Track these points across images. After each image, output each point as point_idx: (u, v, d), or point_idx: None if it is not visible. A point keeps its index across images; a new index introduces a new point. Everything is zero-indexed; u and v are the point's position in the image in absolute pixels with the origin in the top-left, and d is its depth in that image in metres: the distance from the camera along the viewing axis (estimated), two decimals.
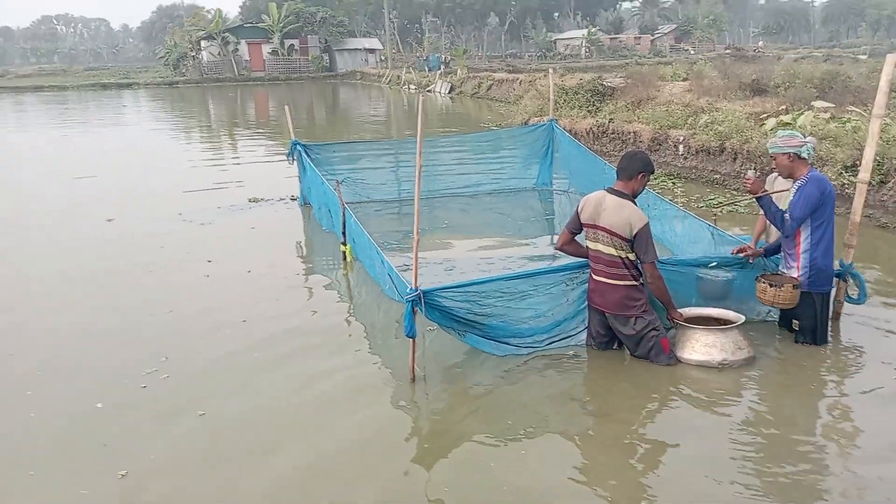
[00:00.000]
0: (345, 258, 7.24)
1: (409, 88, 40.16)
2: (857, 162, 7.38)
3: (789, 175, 4.80)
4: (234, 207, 9.98)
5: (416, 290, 4.44)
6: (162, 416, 4.32)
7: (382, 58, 57.51)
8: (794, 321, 4.95)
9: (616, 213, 4.63)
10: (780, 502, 3.34)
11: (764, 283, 4.82)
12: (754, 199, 4.88)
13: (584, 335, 5.08)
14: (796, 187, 4.74)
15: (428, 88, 38.20)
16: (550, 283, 4.98)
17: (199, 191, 11.46)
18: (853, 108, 10.85)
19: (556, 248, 5.14)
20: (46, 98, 41.61)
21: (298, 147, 9.50)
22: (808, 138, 4.82)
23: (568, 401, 4.46)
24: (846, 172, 8.31)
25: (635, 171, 4.70)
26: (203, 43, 56.99)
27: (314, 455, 3.87)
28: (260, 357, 5.08)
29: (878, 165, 7.88)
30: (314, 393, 4.56)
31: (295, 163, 9.71)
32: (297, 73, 56.68)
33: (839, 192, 8.27)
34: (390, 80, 45.92)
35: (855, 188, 5.20)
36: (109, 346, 5.38)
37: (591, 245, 4.80)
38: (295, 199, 10.22)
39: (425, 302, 4.48)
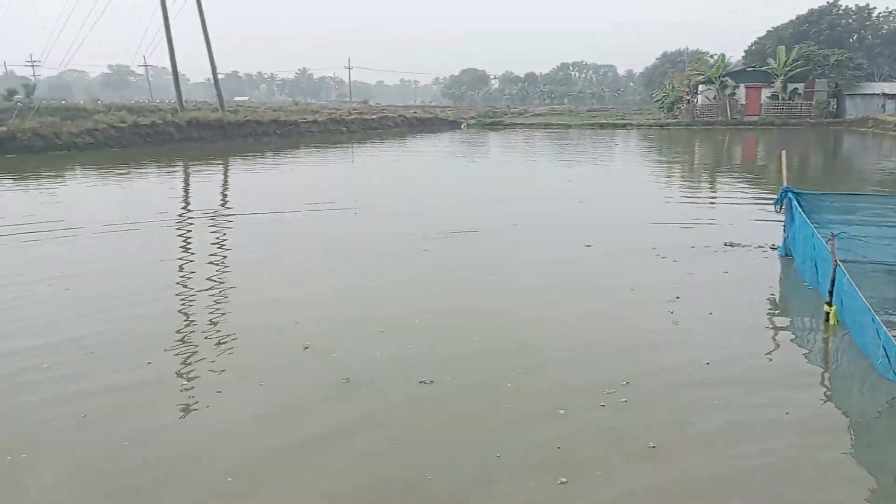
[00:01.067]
0: (827, 320, 6.48)
1: None
2: None
3: None
4: (709, 249, 9.83)
5: None
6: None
7: None
8: None
9: None
10: None
11: None
12: None
13: None
14: None
15: None
16: None
17: (672, 225, 11.62)
18: None
19: None
20: (552, 134, 47.26)
21: (789, 194, 8.92)
22: None
23: None
24: None
25: None
26: (700, 87, 57.56)
27: None
28: (696, 400, 4.90)
29: None
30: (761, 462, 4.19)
31: (782, 211, 9.12)
32: (795, 119, 52.92)
33: None
34: None
35: None
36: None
37: None
38: (775, 249, 9.58)
39: None
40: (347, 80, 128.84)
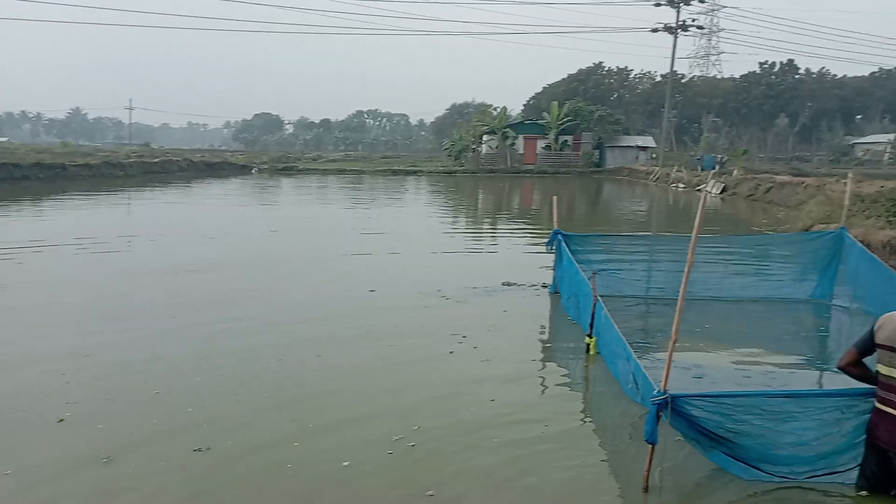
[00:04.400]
0: (588, 350, 7.08)
1: (676, 187, 39.11)
2: None
3: None
4: (489, 289, 10.36)
5: (665, 394, 4.16)
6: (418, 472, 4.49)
7: (654, 155, 57.00)
8: None
9: None
10: None
11: None
12: None
13: (854, 473, 4.32)
14: None
15: (698, 188, 36.81)
16: (822, 408, 4.36)
17: (456, 268, 12.11)
18: None
19: (839, 367, 4.49)
20: (345, 180, 47.61)
21: (559, 236, 9.67)
22: None
23: None
24: None
25: None
26: (485, 137, 61.52)
27: None
28: (481, 438, 5.09)
29: None
30: (529, 482, 4.43)
31: (553, 250, 9.88)
32: (566, 168, 58.36)
33: None
34: (658, 178, 45.18)
35: None
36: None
37: (885, 371, 4.12)
38: (546, 287, 10.34)
39: (672, 408, 4.17)
40: (127, 121, 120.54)
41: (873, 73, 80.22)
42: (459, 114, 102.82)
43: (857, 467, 4.32)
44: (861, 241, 10.18)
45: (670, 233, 17.47)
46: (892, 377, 4.06)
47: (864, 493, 4.23)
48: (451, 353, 7.17)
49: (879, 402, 4.14)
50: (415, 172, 56.34)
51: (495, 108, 65.65)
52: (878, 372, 4.18)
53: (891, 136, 60.57)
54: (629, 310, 9.11)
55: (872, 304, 7.77)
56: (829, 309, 9.15)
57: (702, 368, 6.67)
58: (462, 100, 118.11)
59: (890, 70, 79.09)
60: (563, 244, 9.53)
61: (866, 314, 7.87)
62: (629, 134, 67.74)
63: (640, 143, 63.52)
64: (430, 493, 4.30)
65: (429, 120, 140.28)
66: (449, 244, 15.84)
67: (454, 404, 5.75)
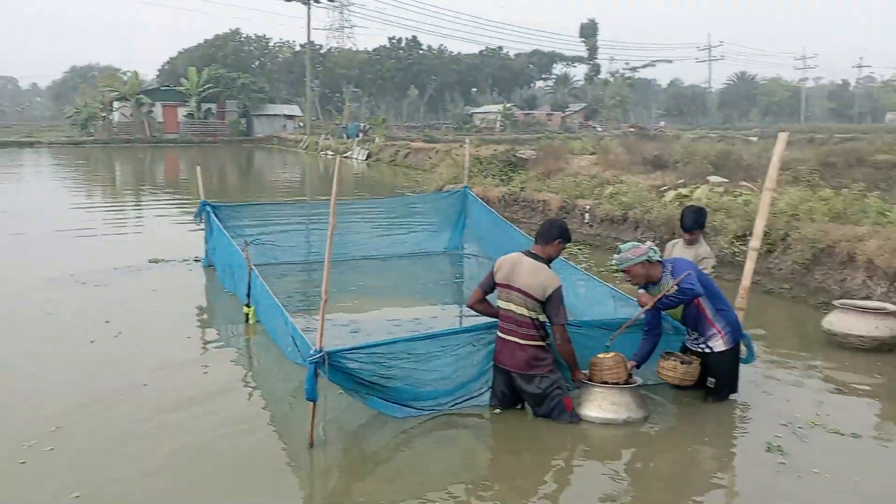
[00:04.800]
0: (247, 321, 6.99)
1: (326, 154, 40.33)
2: (748, 232, 7.80)
3: (648, 280, 4.95)
4: (133, 268, 9.53)
5: (321, 352, 4.31)
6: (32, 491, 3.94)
7: (301, 124, 57.74)
8: (711, 379, 5.04)
9: (532, 275, 4.72)
10: None
11: (674, 360, 4.94)
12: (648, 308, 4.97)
13: (487, 396, 5.04)
14: (670, 278, 4.87)
15: (345, 155, 38.46)
16: (458, 344, 4.95)
17: (91, 248, 10.95)
18: (744, 183, 11.60)
19: (468, 305, 5.15)
20: None
21: (207, 207, 9.29)
22: (647, 243, 5.07)
23: (471, 461, 4.40)
24: (737, 242, 8.78)
25: (552, 238, 4.86)
26: (116, 104, 55.74)
27: None
28: (150, 427, 4.75)
29: (765, 235, 8.36)
30: (210, 465, 4.28)
31: (202, 223, 9.46)
32: (212, 137, 56.01)
33: (730, 260, 8.73)
34: (308, 146, 46.05)
35: (746, 256, 5.49)
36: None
37: (504, 305, 4.82)
38: (199, 261, 9.89)
39: (329, 363, 4.34)
40: None
41: (482, 51, 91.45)
42: (82, 77, 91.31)
43: (489, 390, 5.03)
44: (481, 198, 11.71)
45: (326, 199, 17.97)
46: (510, 310, 4.79)
47: (497, 410, 4.94)
48: (91, 342, 6.46)
49: (501, 331, 4.87)
50: (31, 144, 48.76)
51: (125, 73, 59.88)
52: (498, 306, 4.89)
53: (500, 107, 70.08)
54: (288, 276, 9.21)
55: (493, 250, 8.99)
56: (462, 258, 10.38)
57: (358, 324, 7.06)
58: (84, 62, 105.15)
59: (494, 49, 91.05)
60: (213, 215, 9.21)
61: (490, 259, 9.10)
62: (275, 103, 67.56)
63: (286, 112, 63.83)
64: (75, 495, 3.86)
65: (44, 84, 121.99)
66: (84, 222, 14.12)
67: (99, 397, 5.20)
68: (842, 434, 4.55)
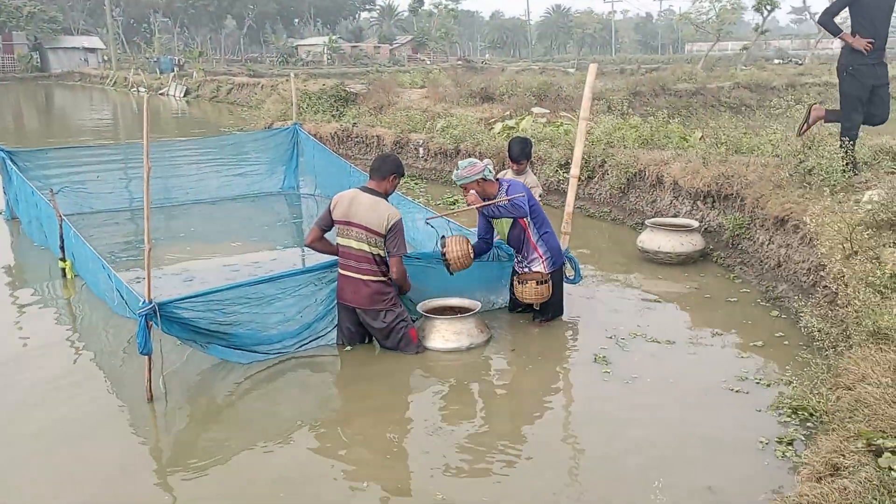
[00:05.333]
0: (65, 276, 6.43)
1: (138, 91, 37.10)
2: (570, 160, 8.27)
3: (485, 196, 5.12)
4: None
5: (150, 304, 4.09)
6: None
7: (105, 58, 52.47)
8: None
9: (371, 210, 4.72)
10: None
11: (530, 282, 5.18)
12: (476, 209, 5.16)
13: (334, 335, 5.07)
14: (505, 194, 5.07)
15: (161, 91, 35.64)
16: (299, 285, 4.89)
17: None
18: (564, 114, 12.23)
19: (306, 245, 5.08)
20: None
21: (2, 153, 8.32)
22: (485, 160, 5.24)
23: (323, 400, 4.43)
24: (561, 170, 9.30)
25: (388, 173, 4.86)
26: None
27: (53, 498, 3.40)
28: None
29: (585, 163, 8.92)
30: (48, 437, 3.96)
31: None
32: (1, 74, 49.57)
33: (555, 188, 9.26)
34: (116, 83, 42.13)
35: (568, 183, 5.84)
36: None
37: (343, 241, 4.80)
38: (1, 213, 8.88)
39: (161, 315, 4.14)
40: None
41: None
42: None
43: (336, 328, 5.04)
44: (313, 135, 11.43)
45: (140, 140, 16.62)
46: (348, 246, 4.78)
47: (348, 348, 4.98)
48: None
49: (341, 268, 4.86)
50: None
51: None
52: (338, 244, 4.86)
53: (325, 39, 67.82)
54: (110, 225, 8.54)
55: (329, 188, 8.88)
56: (299, 198, 10.12)
57: (192, 272, 6.73)
58: None
59: None
60: (10, 162, 8.32)
61: (327, 197, 8.97)
62: (72, 34, 60.66)
63: (87, 45, 57.72)
64: None
65: None
66: None
67: None
68: (658, 342, 5.07)
